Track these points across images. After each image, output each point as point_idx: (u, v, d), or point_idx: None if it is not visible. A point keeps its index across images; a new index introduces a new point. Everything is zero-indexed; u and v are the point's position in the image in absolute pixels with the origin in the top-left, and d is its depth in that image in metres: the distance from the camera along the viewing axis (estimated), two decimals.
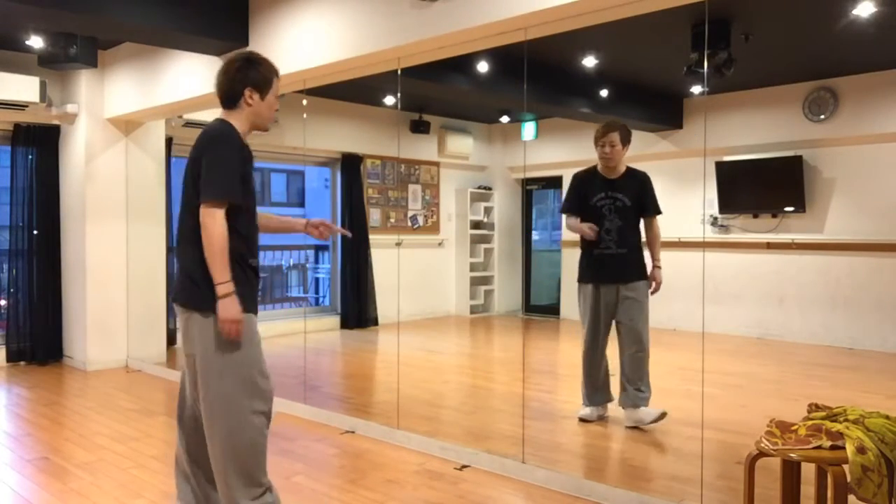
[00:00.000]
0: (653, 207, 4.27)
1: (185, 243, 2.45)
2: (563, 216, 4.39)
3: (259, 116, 2.53)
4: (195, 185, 2.39)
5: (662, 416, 4.09)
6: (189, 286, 2.42)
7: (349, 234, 3.10)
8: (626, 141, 4.20)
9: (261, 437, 2.42)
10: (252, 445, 2.39)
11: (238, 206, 2.39)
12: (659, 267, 4.20)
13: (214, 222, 2.31)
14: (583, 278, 4.31)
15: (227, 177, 2.36)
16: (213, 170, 2.35)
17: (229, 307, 2.33)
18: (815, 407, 2.50)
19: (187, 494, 2.59)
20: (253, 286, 2.47)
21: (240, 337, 2.37)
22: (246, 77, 2.48)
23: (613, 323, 4.26)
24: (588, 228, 4.12)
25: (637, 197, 4.22)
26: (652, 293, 4.21)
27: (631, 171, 4.29)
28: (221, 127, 2.46)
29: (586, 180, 4.31)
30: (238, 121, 2.50)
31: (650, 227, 4.29)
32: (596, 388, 4.31)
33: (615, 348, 4.28)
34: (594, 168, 4.33)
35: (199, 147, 2.42)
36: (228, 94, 2.49)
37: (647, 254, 4.30)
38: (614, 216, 4.18)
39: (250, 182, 2.48)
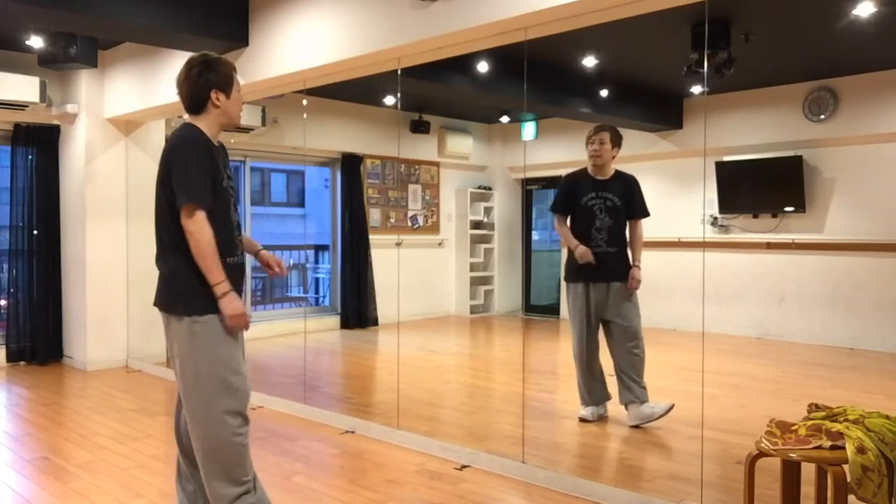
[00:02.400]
0: (640, 209, 4.39)
1: (160, 249, 2.49)
2: (554, 215, 4.48)
3: (228, 116, 2.55)
4: (165, 192, 2.41)
5: (671, 408, 4.13)
6: (166, 291, 2.46)
7: (284, 274, 2.97)
8: (615, 143, 4.32)
9: (237, 437, 2.43)
10: (229, 445, 2.41)
11: (209, 208, 2.39)
12: (638, 267, 4.30)
13: (197, 226, 2.33)
14: (572, 277, 4.36)
15: (197, 182, 2.37)
16: (181, 176, 2.37)
17: (230, 303, 2.38)
18: (815, 407, 2.51)
19: (184, 501, 2.61)
20: (233, 284, 2.43)
21: (247, 327, 2.44)
22: (209, 80, 2.48)
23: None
24: (585, 253, 4.20)
25: (626, 198, 4.34)
26: (628, 290, 4.29)
27: (619, 174, 4.41)
28: (186, 132, 2.48)
29: (576, 181, 4.42)
30: (206, 123, 2.51)
31: (634, 229, 4.39)
32: (593, 388, 4.34)
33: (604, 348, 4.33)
34: (584, 170, 4.43)
35: (165, 155, 2.45)
36: (194, 99, 2.50)
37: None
38: (605, 215, 4.29)
39: (222, 181, 2.48)
